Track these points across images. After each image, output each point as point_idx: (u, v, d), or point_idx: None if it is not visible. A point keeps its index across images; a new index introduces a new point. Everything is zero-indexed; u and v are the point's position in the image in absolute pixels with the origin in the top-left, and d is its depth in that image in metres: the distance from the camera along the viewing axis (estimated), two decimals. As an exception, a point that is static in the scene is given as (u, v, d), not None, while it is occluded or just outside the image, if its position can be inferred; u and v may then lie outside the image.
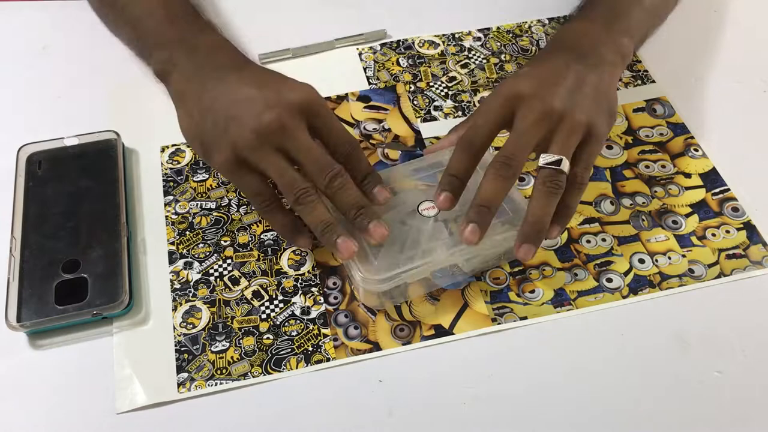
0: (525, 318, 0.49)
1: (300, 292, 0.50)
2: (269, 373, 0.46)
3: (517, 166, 0.45)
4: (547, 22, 0.68)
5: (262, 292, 0.50)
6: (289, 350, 0.47)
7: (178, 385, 0.46)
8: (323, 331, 0.48)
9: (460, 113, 0.61)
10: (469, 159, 0.47)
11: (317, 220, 0.46)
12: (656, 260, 0.52)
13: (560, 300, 0.50)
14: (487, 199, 0.45)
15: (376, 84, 0.63)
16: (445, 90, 0.63)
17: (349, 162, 0.47)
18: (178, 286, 0.50)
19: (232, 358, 0.47)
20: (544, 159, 0.45)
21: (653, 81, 0.63)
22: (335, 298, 0.50)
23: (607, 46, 0.51)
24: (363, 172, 0.48)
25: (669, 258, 0.52)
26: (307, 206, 0.45)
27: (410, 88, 0.63)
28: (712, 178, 0.56)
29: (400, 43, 0.66)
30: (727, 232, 0.53)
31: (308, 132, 0.46)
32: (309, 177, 0.46)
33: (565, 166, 0.45)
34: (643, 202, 0.55)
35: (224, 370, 0.46)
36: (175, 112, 0.51)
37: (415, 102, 0.61)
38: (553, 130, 0.45)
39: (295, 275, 0.51)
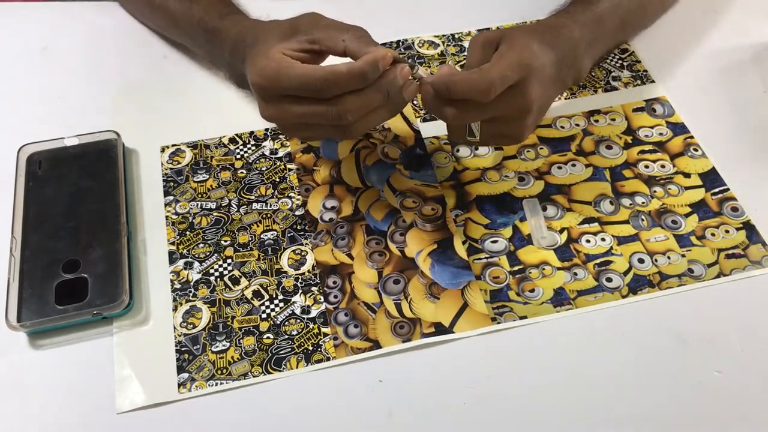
0: (525, 317, 0.49)
1: (300, 291, 0.50)
2: (269, 373, 0.46)
3: (484, 98, 0.46)
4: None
5: (263, 291, 0.50)
6: (290, 350, 0.47)
7: (179, 385, 0.46)
8: (323, 330, 0.48)
9: (459, 113, 0.61)
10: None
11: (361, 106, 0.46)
12: (656, 260, 0.52)
13: (560, 299, 0.50)
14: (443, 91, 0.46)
15: (375, 84, 0.63)
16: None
17: (343, 91, 0.45)
18: (178, 286, 0.50)
19: (232, 357, 0.47)
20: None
21: (653, 81, 0.63)
22: (335, 297, 0.50)
23: (576, 61, 0.53)
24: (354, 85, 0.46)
25: (668, 258, 0.52)
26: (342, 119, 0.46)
27: (410, 88, 0.63)
28: (711, 178, 0.57)
29: (400, 43, 0.66)
30: (727, 231, 0.53)
31: (287, 100, 0.46)
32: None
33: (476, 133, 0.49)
34: (643, 202, 0.55)
35: (225, 370, 0.46)
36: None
37: (414, 102, 0.62)
38: (510, 115, 0.48)
39: (295, 275, 0.51)
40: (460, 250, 0.52)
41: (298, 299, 0.50)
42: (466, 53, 0.65)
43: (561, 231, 0.53)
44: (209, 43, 0.57)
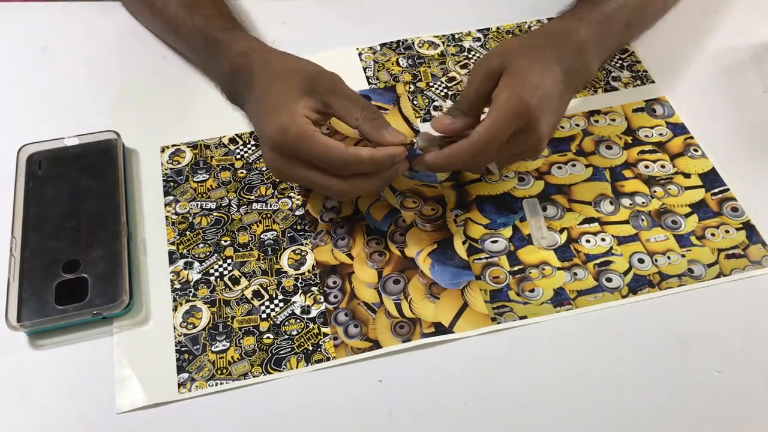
0: (525, 317, 0.49)
1: (300, 291, 0.50)
2: (269, 373, 0.46)
3: (485, 161, 0.50)
4: (546, 22, 0.68)
5: (262, 291, 0.50)
6: (289, 350, 0.47)
7: (179, 385, 0.46)
8: (323, 330, 0.48)
9: (459, 113, 0.61)
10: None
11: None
12: (656, 260, 0.52)
13: (560, 299, 0.50)
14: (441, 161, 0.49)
15: (375, 84, 0.63)
16: (445, 90, 0.63)
17: (353, 174, 0.48)
18: (178, 286, 0.50)
19: (232, 358, 0.47)
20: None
21: (653, 81, 0.63)
22: (335, 296, 0.50)
23: (586, 71, 0.53)
24: (382, 170, 0.48)
25: (668, 258, 0.52)
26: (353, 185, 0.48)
27: (410, 88, 0.63)
28: (711, 178, 0.57)
29: (400, 44, 0.66)
30: (727, 232, 0.53)
31: (299, 162, 0.47)
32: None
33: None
34: (643, 202, 0.55)
35: (224, 370, 0.46)
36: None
37: (414, 102, 0.62)
38: (518, 135, 0.48)
39: (295, 274, 0.51)
40: (460, 250, 0.52)
41: (298, 299, 0.50)
42: (465, 54, 0.65)
43: (561, 231, 0.53)
44: (207, 51, 0.56)
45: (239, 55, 0.52)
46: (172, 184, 0.56)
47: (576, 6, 0.57)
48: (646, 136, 0.59)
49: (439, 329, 0.48)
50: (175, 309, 0.49)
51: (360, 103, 0.49)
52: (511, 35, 0.67)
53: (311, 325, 0.49)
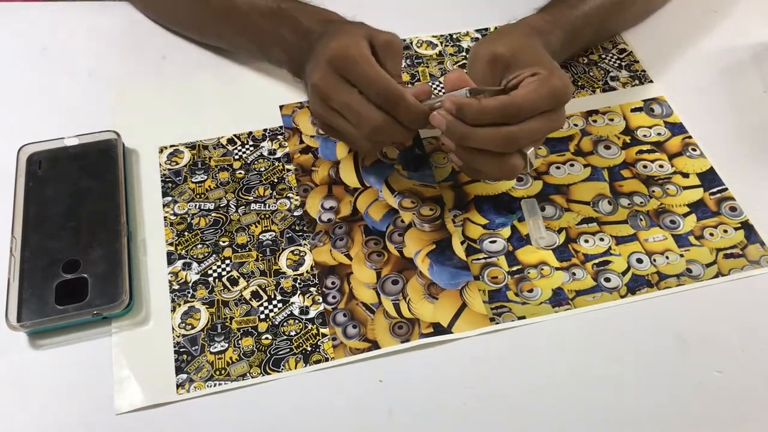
0: (523, 317, 0.49)
1: (298, 292, 0.50)
2: (268, 374, 0.46)
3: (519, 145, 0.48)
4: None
5: (261, 292, 0.50)
6: (288, 350, 0.47)
7: (177, 386, 0.46)
8: (322, 330, 0.48)
9: (458, 113, 0.61)
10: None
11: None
12: (654, 260, 0.52)
13: (558, 299, 0.50)
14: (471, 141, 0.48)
15: (375, 84, 0.63)
16: (443, 90, 0.63)
17: (388, 108, 0.48)
18: (176, 286, 0.50)
19: (231, 358, 0.47)
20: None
21: (651, 81, 0.63)
22: (333, 297, 0.50)
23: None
24: (408, 119, 0.48)
25: (667, 258, 0.52)
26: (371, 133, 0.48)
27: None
28: (709, 178, 0.57)
29: (399, 44, 0.66)
30: (725, 231, 0.53)
31: (346, 85, 0.48)
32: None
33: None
34: (641, 202, 0.55)
35: (223, 371, 0.47)
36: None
37: (413, 102, 0.61)
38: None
39: (294, 275, 0.51)
40: (459, 250, 0.52)
41: (297, 300, 0.50)
42: (464, 54, 0.65)
43: (559, 231, 0.54)
44: (277, 21, 0.56)
45: (319, 23, 0.54)
46: (170, 184, 0.56)
47: (551, 5, 0.57)
48: (645, 135, 0.59)
49: (438, 329, 0.48)
50: (173, 310, 0.49)
51: (399, 71, 0.51)
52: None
53: (310, 326, 0.49)
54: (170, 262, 0.52)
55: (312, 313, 0.49)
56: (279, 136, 0.59)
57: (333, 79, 0.48)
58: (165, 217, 0.54)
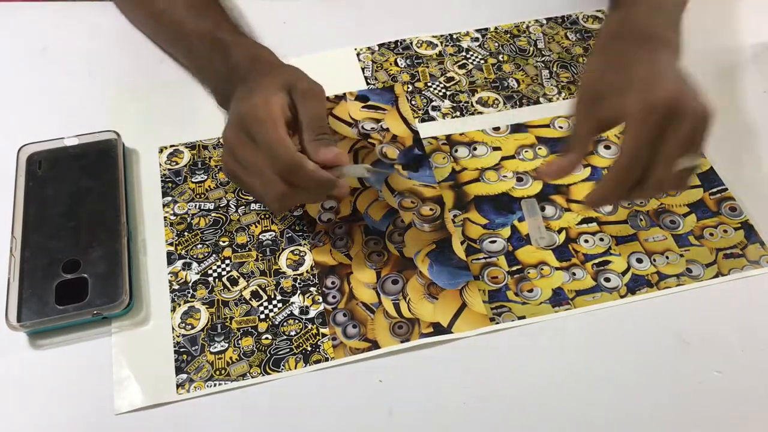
0: (523, 317, 0.49)
1: (298, 291, 0.50)
2: (268, 374, 0.46)
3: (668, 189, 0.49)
4: (544, 22, 0.68)
5: (261, 292, 0.50)
6: (288, 350, 0.47)
7: (177, 386, 0.46)
8: (322, 330, 0.48)
9: (458, 113, 0.61)
10: (623, 185, 0.46)
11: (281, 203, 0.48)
12: (654, 260, 0.52)
13: (558, 299, 0.50)
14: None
15: (374, 84, 0.63)
16: (443, 90, 0.63)
17: (289, 179, 0.46)
18: (176, 286, 0.50)
19: (230, 358, 0.47)
20: (686, 163, 0.45)
21: (652, 81, 0.63)
22: (333, 297, 0.50)
23: (670, 36, 0.51)
24: (311, 187, 0.47)
25: (667, 257, 0.52)
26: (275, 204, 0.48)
27: (408, 88, 0.63)
28: (709, 178, 0.57)
29: (398, 44, 0.66)
30: (725, 231, 0.53)
31: (254, 147, 0.46)
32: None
33: (698, 160, 0.47)
34: (641, 202, 0.55)
35: (223, 371, 0.47)
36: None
37: (413, 102, 0.62)
38: (694, 137, 0.45)
39: (294, 275, 0.51)
40: (459, 250, 0.52)
41: (297, 300, 0.50)
42: (464, 54, 0.65)
43: (559, 231, 0.54)
44: (210, 53, 0.56)
45: (248, 59, 0.53)
46: (170, 184, 0.56)
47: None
48: (645, 135, 0.59)
49: (438, 329, 0.48)
50: (173, 310, 0.49)
51: (318, 122, 0.48)
52: (508, 35, 0.67)
53: (310, 326, 0.49)
54: (170, 262, 0.52)
55: (312, 313, 0.49)
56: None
57: (243, 137, 0.47)
58: (165, 217, 0.54)
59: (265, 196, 0.47)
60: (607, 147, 0.59)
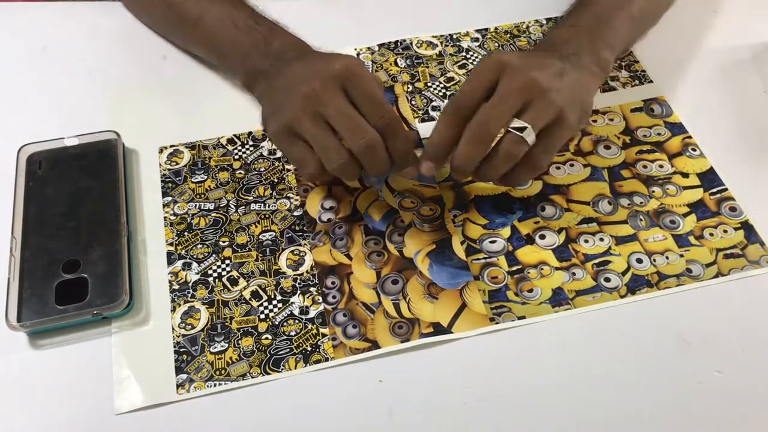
0: (523, 317, 0.49)
1: (298, 292, 0.50)
2: (268, 374, 0.46)
3: (493, 130, 0.47)
4: (544, 22, 0.68)
5: (261, 292, 0.50)
6: (288, 350, 0.47)
7: (177, 386, 0.46)
8: (322, 330, 0.48)
9: (458, 113, 0.61)
10: (454, 125, 0.48)
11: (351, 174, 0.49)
12: (654, 260, 0.52)
13: (558, 299, 0.50)
14: (462, 163, 0.48)
15: (374, 84, 0.63)
16: (443, 90, 0.63)
17: (384, 133, 0.48)
18: (176, 286, 0.50)
19: (231, 358, 0.47)
20: (514, 123, 0.47)
21: (651, 81, 0.63)
22: (333, 297, 0.50)
23: (589, 56, 0.53)
24: (398, 150, 0.49)
25: (667, 258, 0.52)
26: (341, 170, 0.49)
27: (408, 88, 0.63)
28: (709, 178, 0.57)
29: (398, 44, 0.66)
30: (725, 231, 0.53)
31: (346, 99, 0.48)
32: (345, 142, 0.48)
33: (530, 136, 0.47)
34: (641, 202, 0.55)
35: (223, 371, 0.47)
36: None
37: (413, 102, 0.62)
38: (530, 103, 0.47)
39: (294, 275, 0.51)
40: (459, 250, 0.52)
41: (297, 300, 0.50)
42: (464, 54, 0.65)
43: (559, 231, 0.54)
44: (238, 37, 0.57)
45: (292, 38, 0.56)
46: (170, 184, 0.56)
47: (570, 14, 0.58)
48: (645, 135, 0.59)
49: (438, 329, 0.48)
50: (173, 310, 0.49)
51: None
52: (508, 35, 0.67)
53: (310, 326, 0.49)
54: (170, 262, 0.52)
55: (312, 313, 0.49)
56: (279, 136, 0.59)
57: (336, 90, 0.48)
58: (165, 217, 0.54)
59: (349, 144, 0.48)
60: (607, 147, 0.59)
